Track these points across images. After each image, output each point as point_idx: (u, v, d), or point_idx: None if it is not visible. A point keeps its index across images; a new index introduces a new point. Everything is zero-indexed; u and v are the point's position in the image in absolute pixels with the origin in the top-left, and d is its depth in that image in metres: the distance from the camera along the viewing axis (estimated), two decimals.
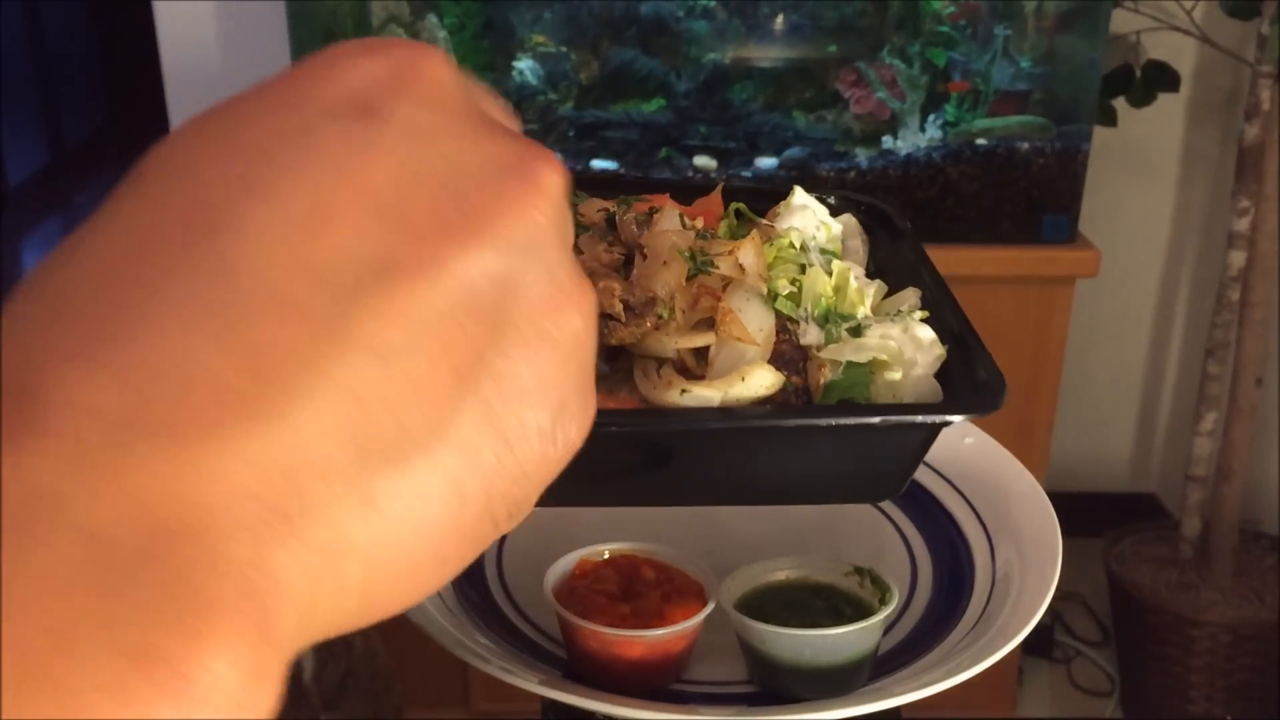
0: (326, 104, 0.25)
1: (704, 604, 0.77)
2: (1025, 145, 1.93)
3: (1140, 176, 2.45)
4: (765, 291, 0.59)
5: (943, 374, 0.58)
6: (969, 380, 0.57)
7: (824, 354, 0.58)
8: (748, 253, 0.59)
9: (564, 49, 1.97)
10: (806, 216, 0.66)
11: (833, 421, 0.54)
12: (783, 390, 0.56)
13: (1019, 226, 1.94)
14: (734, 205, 0.67)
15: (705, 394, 0.54)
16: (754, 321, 0.57)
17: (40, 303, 0.23)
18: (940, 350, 0.59)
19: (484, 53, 1.98)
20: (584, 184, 0.67)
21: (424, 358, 0.23)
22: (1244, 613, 2.10)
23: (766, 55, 1.99)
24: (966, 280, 1.93)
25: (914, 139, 1.95)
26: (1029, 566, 0.79)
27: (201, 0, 2.15)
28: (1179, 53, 2.17)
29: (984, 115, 1.95)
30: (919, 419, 0.55)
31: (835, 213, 0.69)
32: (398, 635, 1.66)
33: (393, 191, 0.23)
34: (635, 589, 0.79)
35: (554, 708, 0.82)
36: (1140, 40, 2.13)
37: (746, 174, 1.95)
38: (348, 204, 0.23)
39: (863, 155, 1.95)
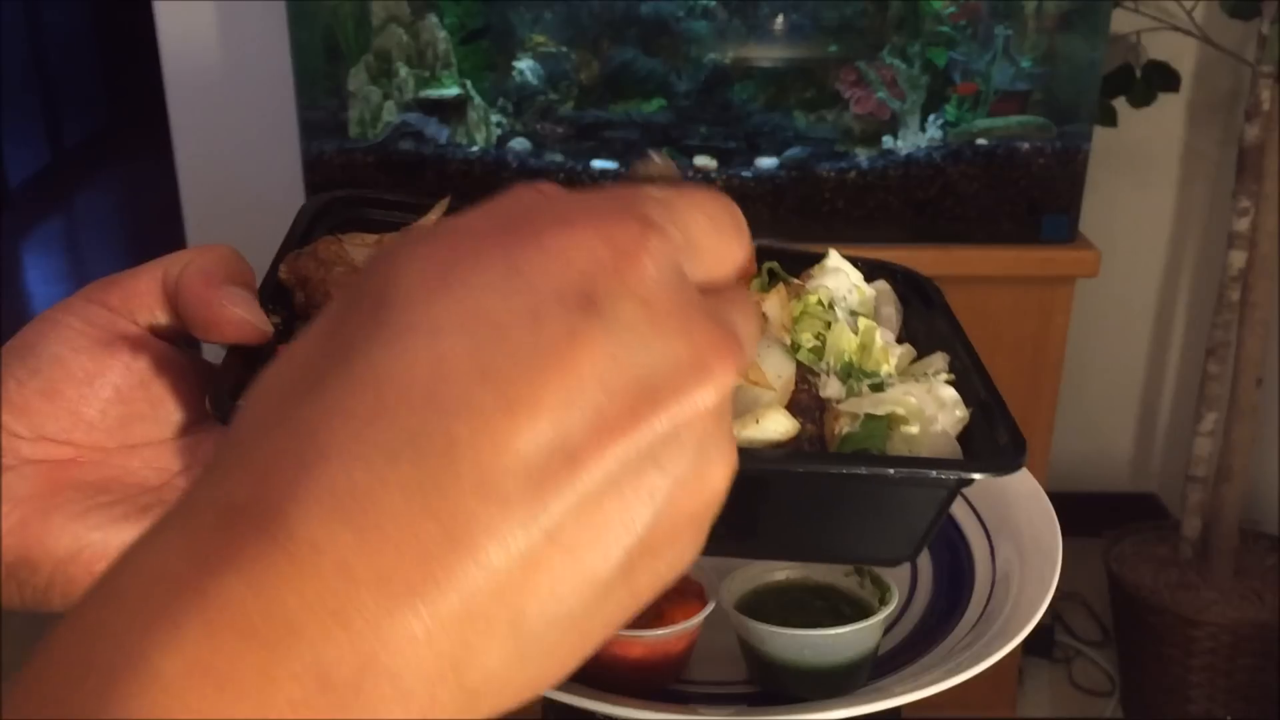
0: (557, 288, 0.27)
1: (704, 604, 0.77)
2: (1025, 145, 1.93)
3: (1140, 176, 2.45)
4: (788, 342, 0.60)
5: (964, 437, 0.57)
6: (990, 441, 0.55)
7: (843, 406, 0.58)
8: (772, 304, 0.60)
9: (564, 49, 1.97)
10: (839, 279, 0.66)
11: (845, 470, 0.53)
12: (798, 438, 0.55)
13: (1019, 226, 1.94)
14: (767, 265, 0.66)
15: None
16: (772, 368, 0.57)
17: (282, 427, 0.27)
18: (963, 412, 0.58)
19: (484, 53, 1.98)
20: None
21: (596, 551, 0.27)
22: (1244, 613, 2.10)
23: (766, 55, 1.99)
24: (966, 280, 1.93)
25: (914, 139, 1.95)
26: (1029, 566, 0.79)
27: (201, 0, 2.15)
28: (1179, 53, 2.17)
29: (984, 115, 1.95)
30: (933, 474, 0.53)
31: (870, 278, 0.69)
32: None
33: (596, 387, 0.27)
34: None
35: (554, 708, 0.82)
36: (1140, 40, 2.13)
37: (747, 174, 1.95)
38: (557, 395, 0.26)
39: (863, 155, 1.95)
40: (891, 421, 0.57)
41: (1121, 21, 2.06)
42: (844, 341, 0.61)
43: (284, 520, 0.25)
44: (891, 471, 0.52)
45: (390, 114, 1.94)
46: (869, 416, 0.57)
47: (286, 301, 0.57)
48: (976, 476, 0.53)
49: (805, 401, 0.58)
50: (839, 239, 1.93)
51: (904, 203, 1.95)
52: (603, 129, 1.97)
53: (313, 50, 1.92)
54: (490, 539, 0.25)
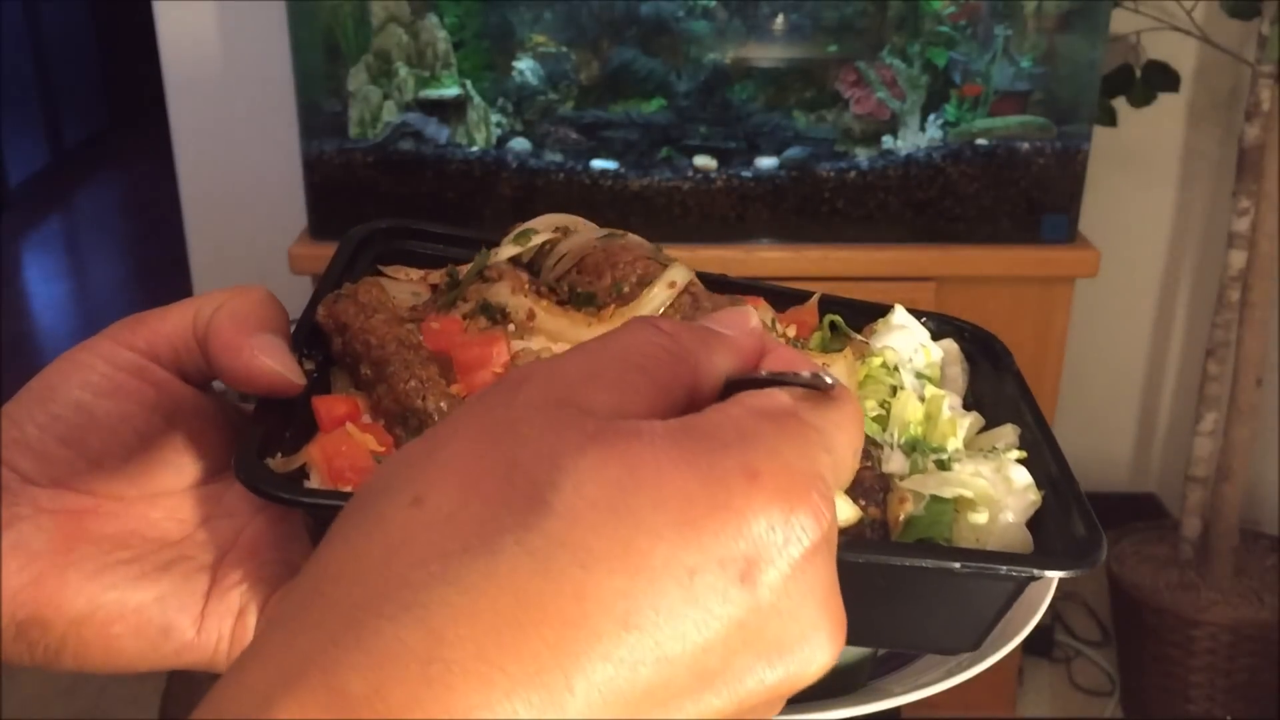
0: (726, 554, 0.27)
1: None
2: (1025, 145, 1.93)
3: (1140, 176, 2.45)
4: None
5: (1035, 521, 0.54)
6: (1064, 531, 0.52)
7: (907, 484, 0.54)
8: (839, 370, 0.57)
9: (564, 49, 1.97)
10: (905, 337, 0.63)
11: (908, 562, 0.50)
12: (859, 523, 0.52)
13: (1019, 226, 1.94)
14: (829, 317, 0.63)
15: None
16: None
17: (409, 612, 0.26)
18: (1035, 496, 0.55)
19: (484, 53, 1.98)
20: None
21: None
22: (1244, 613, 2.10)
23: (766, 55, 1.99)
24: (966, 280, 1.94)
25: (914, 139, 1.95)
26: None
27: (201, 0, 2.15)
28: (1179, 53, 2.17)
29: (984, 115, 1.95)
30: (1004, 570, 0.50)
31: (936, 336, 0.65)
32: None
33: (721, 659, 0.27)
34: None
35: None
36: (1140, 40, 2.13)
37: (747, 174, 1.95)
38: (692, 665, 0.27)
39: (863, 155, 1.95)
40: (959, 505, 0.54)
41: (1121, 21, 2.06)
42: (910, 411, 0.57)
43: None
44: (957, 566, 0.49)
45: (390, 114, 1.94)
46: (934, 499, 0.54)
47: (324, 344, 0.54)
48: (1050, 575, 0.50)
49: (868, 481, 0.54)
50: (839, 239, 1.93)
51: (904, 203, 1.95)
52: (602, 129, 1.97)
53: (313, 50, 1.92)
54: None
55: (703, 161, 1.96)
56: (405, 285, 0.59)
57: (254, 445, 0.47)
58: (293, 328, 0.52)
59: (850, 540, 0.51)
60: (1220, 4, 2.02)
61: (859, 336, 0.62)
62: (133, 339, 0.48)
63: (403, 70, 1.92)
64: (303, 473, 0.48)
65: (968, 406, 0.62)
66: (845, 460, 0.32)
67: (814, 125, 1.98)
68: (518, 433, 0.29)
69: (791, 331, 0.60)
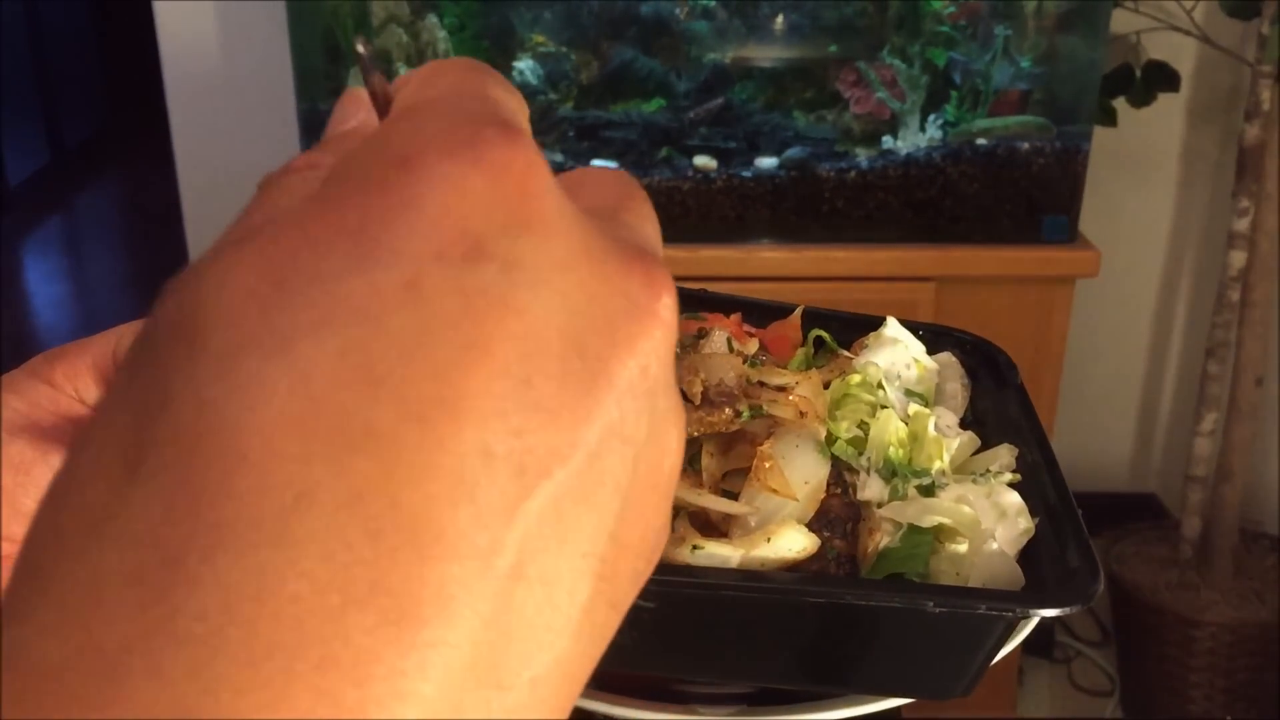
0: (432, 244, 0.20)
1: None
2: (1025, 145, 1.93)
3: (1140, 176, 2.45)
4: (822, 436, 0.51)
5: (1028, 551, 0.50)
6: (1058, 564, 0.47)
7: (884, 512, 0.50)
8: (805, 389, 0.51)
9: (564, 49, 1.97)
10: (897, 351, 0.58)
11: (866, 601, 0.45)
12: (820, 556, 0.48)
13: (1019, 226, 1.94)
14: (814, 333, 0.60)
15: (721, 553, 0.47)
16: (800, 471, 0.49)
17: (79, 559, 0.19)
18: (1028, 523, 0.50)
19: (484, 53, 1.98)
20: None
21: (569, 573, 0.21)
22: (1244, 613, 2.10)
23: (766, 55, 1.99)
24: (966, 280, 1.94)
25: (914, 139, 1.95)
26: None
27: (201, 0, 2.15)
28: (1179, 53, 2.17)
29: (984, 115, 1.95)
30: (982, 609, 0.44)
31: (934, 349, 0.61)
32: None
33: (520, 364, 0.20)
34: None
35: None
36: (1140, 40, 2.13)
37: (747, 174, 1.95)
38: (479, 392, 0.20)
39: (863, 155, 1.95)
40: (939, 535, 0.49)
41: (1121, 21, 2.06)
42: (890, 432, 0.53)
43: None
44: (930, 605, 0.44)
45: None
46: (912, 529, 0.49)
47: None
48: (1037, 614, 0.45)
49: (836, 510, 0.50)
50: (839, 239, 1.93)
51: (904, 203, 1.94)
52: (602, 129, 1.97)
53: (313, 50, 1.92)
54: (444, 599, 0.19)
55: (703, 161, 1.96)
56: None
57: None
58: None
59: (810, 576, 0.47)
60: (1220, 4, 2.02)
61: (845, 353, 0.59)
62: (50, 373, 0.46)
63: (403, 70, 1.92)
64: None
65: (967, 424, 0.58)
66: (505, 100, 0.25)
67: (814, 125, 1.98)
68: (171, 299, 0.22)
69: (753, 347, 0.56)
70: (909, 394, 0.57)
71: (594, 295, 0.22)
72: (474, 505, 0.19)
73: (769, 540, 0.47)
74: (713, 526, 0.48)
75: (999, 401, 0.58)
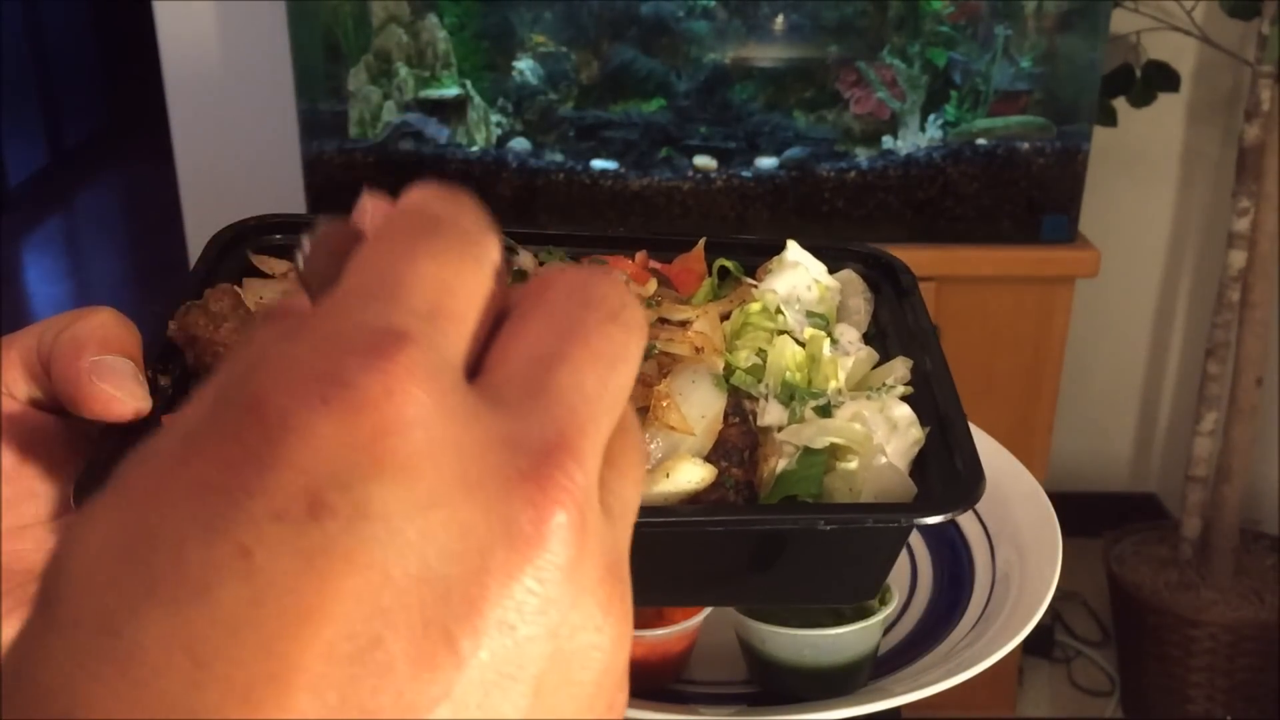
0: (274, 503, 0.19)
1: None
2: (1025, 145, 1.93)
3: (1140, 176, 2.45)
4: (720, 368, 0.53)
5: (920, 460, 0.53)
6: (945, 472, 0.50)
7: (782, 435, 0.52)
8: (702, 325, 0.54)
9: (564, 49, 1.97)
10: (798, 274, 0.60)
11: (758, 527, 0.48)
12: (718, 485, 0.50)
13: (1019, 226, 1.94)
14: (719, 263, 0.61)
15: None
16: (696, 407, 0.51)
17: None
18: (919, 434, 0.52)
19: (484, 53, 1.98)
20: (559, 241, 0.62)
21: None
22: (1244, 613, 2.10)
23: (766, 55, 1.99)
24: (966, 280, 1.94)
25: (914, 139, 1.95)
26: (1029, 566, 0.79)
27: (201, 0, 2.15)
28: (1179, 53, 2.17)
29: (984, 115, 1.95)
30: (871, 521, 0.48)
31: (836, 267, 0.62)
32: None
33: (367, 623, 0.19)
34: None
35: None
36: (1140, 40, 2.13)
37: (747, 174, 1.95)
38: (315, 661, 0.19)
39: (863, 155, 1.95)
40: (834, 453, 0.51)
41: (1121, 21, 2.06)
42: (787, 358, 0.55)
43: None
44: (821, 523, 0.46)
45: (390, 114, 1.94)
46: (806, 451, 0.51)
47: (181, 357, 0.53)
48: (922, 521, 0.47)
49: (734, 440, 0.52)
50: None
51: (904, 203, 1.94)
52: (602, 129, 1.97)
53: (313, 50, 1.92)
54: None
55: (703, 161, 1.96)
56: (276, 284, 0.58)
57: (96, 472, 0.45)
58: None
59: (710, 505, 0.50)
60: (1220, 4, 2.02)
61: (750, 280, 0.60)
62: None
63: (403, 70, 1.92)
64: None
65: (869, 338, 0.60)
66: (453, 287, 0.23)
67: (814, 125, 1.98)
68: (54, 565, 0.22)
69: (651, 288, 0.57)
70: (810, 315, 0.58)
71: (466, 528, 0.20)
72: None
73: (668, 475, 0.49)
74: None
75: (898, 312, 0.60)
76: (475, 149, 1.95)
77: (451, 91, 1.95)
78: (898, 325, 0.59)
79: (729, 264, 0.61)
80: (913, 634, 0.81)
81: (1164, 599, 2.13)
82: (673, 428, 0.51)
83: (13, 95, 4.99)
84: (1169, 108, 2.27)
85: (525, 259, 0.59)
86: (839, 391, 0.55)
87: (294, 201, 1.98)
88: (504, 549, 0.20)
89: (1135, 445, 2.72)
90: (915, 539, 0.89)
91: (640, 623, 0.75)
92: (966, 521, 0.87)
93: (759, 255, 0.62)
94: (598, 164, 1.95)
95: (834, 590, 0.53)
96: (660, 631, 0.75)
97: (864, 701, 0.70)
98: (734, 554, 0.51)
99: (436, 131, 1.96)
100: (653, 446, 0.50)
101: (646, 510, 0.47)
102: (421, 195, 0.25)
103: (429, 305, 0.22)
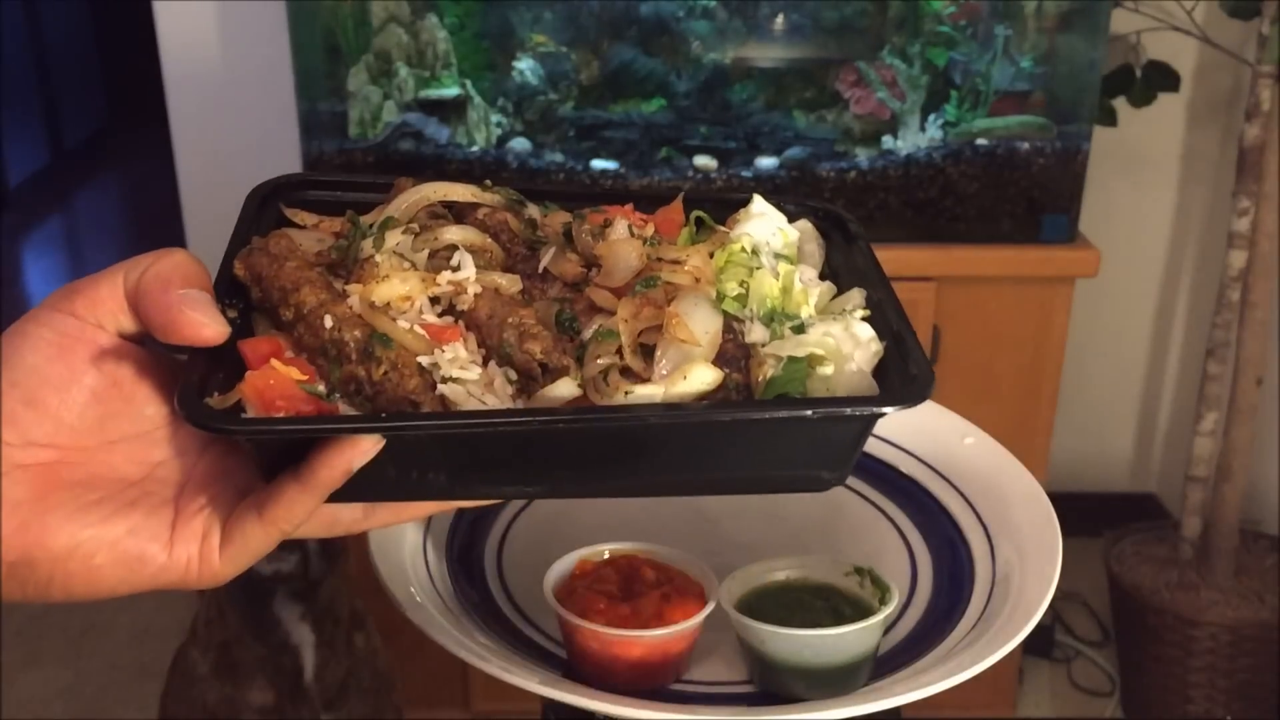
0: None
1: (704, 604, 0.77)
2: (1025, 145, 1.93)
3: (1140, 176, 2.45)
4: (714, 295, 0.63)
5: (880, 368, 0.62)
6: (902, 374, 0.60)
7: (767, 349, 0.62)
8: (698, 259, 0.64)
9: (564, 49, 1.97)
10: (764, 223, 0.70)
11: (766, 415, 0.58)
12: (724, 387, 0.60)
13: (1019, 226, 1.94)
14: (695, 213, 0.70)
15: (647, 392, 0.58)
16: (700, 324, 0.61)
17: None
18: (878, 346, 0.62)
19: (484, 53, 1.98)
20: (553, 196, 0.71)
21: None
22: (1244, 613, 2.10)
23: (766, 55, 1.99)
24: (966, 280, 1.94)
25: (914, 139, 1.95)
26: (1029, 566, 0.79)
27: (201, 0, 2.15)
28: (1179, 53, 2.17)
29: (984, 115, 1.95)
30: (848, 411, 0.58)
31: (793, 219, 0.72)
32: (399, 636, 1.66)
33: None
34: (635, 589, 0.79)
35: (554, 708, 0.82)
36: (1140, 40, 2.13)
37: (747, 174, 1.95)
38: None
39: (863, 155, 1.95)
40: (811, 361, 0.61)
41: (1121, 21, 2.06)
42: (766, 288, 0.65)
43: None
44: (809, 413, 0.57)
45: (390, 114, 1.94)
46: (790, 359, 0.61)
47: (244, 293, 0.61)
48: (887, 410, 0.58)
49: (731, 351, 0.61)
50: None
51: (904, 203, 1.94)
52: (602, 129, 1.97)
53: (313, 50, 1.92)
54: None
55: (703, 161, 1.96)
56: (310, 234, 0.66)
57: (193, 387, 0.53)
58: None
59: (716, 402, 0.59)
60: (1220, 4, 2.02)
61: (722, 228, 0.70)
62: (72, 305, 0.55)
63: (403, 70, 1.92)
64: (240, 407, 0.54)
65: (824, 277, 0.70)
66: None
67: (814, 125, 1.98)
68: None
69: (650, 230, 0.67)
70: (778, 256, 0.68)
71: None
72: None
73: (685, 378, 0.59)
74: (637, 374, 0.60)
75: (848, 255, 0.71)
76: (475, 149, 1.95)
77: (451, 91, 1.95)
78: (848, 265, 0.70)
79: (703, 214, 0.70)
80: (913, 634, 0.81)
81: (1164, 599, 2.13)
82: (684, 340, 0.60)
83: (13, 95, 4.99)
84: (1169, 108, 2.27)
85: (532, 210, 0.68)
86: (810, 315, 0.65)
87: None
88: None
89: (1135, 445, 2.72)
90: (915, 539, 0.89)
91: (640, 623, 0.75)
92: (966, 521, 0.87)
93: (727, 209, 0.71)
94: (598, 164, 1.95)
95: (813, 470, 0.62)
96: (660, 631, 0.75)
97: (864, 701, 0.70)
98: (739, 441, 0.61)
99: (436, 131, 1.96)
100: (667, 357, 0.60)
101: (668, 406, 0.58)
102: None
103: None
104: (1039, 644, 2.39)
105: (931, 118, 1.95)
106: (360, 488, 0.55)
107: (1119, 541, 2.27)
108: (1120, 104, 2.11)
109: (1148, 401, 2.68)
